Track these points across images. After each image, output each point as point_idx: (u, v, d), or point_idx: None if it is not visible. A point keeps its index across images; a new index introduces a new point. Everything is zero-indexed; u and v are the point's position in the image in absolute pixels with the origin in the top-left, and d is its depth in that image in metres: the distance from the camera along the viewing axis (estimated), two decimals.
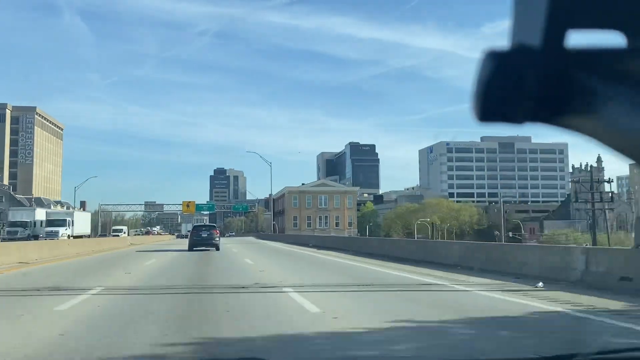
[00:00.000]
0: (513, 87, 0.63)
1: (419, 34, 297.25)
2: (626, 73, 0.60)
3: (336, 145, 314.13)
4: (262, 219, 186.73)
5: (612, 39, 0.62)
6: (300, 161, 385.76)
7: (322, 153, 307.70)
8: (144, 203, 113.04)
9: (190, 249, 28.76)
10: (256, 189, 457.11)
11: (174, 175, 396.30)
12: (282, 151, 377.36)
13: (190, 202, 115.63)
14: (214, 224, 46.73)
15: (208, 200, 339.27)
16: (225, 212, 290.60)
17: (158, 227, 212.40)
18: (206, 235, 29.61)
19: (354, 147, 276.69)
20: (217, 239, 30.26)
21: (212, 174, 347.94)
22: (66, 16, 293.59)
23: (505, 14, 0.70)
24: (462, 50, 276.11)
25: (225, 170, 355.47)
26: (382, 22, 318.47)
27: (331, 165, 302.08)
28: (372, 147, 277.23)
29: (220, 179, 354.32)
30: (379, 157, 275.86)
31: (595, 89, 0.61)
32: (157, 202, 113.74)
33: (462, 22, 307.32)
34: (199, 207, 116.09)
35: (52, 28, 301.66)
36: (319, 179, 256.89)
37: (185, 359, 5.04)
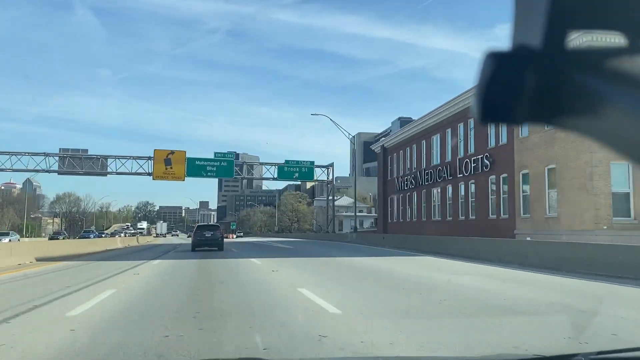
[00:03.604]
0: (514, 87, 0.63)
1: (430, 34, 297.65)
2: (627, 74, 0.59)
3: (344, 144, 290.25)
4: (306, 210, 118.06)
5: (613, 39, 0.62)
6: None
7: (359, 134, 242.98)
8: (58, 152, 46.63)
9: (193, 249, 27.51)
10: (270, 182, 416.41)
11: None
12: (291, 150, 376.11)
13: (174, 152, 48.25)
14: (218, 224, 37.02)
15: (217, 198, 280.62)
16: (238, 204, 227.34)
17: (145, 223, 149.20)
18: (210, 235, 28.03)
19: (405, 123, 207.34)
20: (221, 239, 28.51)
21: None
22: (79, 12, 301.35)
23: None
24: (474, 51, 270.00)
25: (239, 154, 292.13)
26: (393, 21, 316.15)
27: (370, 149, 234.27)
28: None
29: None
30: None
31: (595, 89, 0.60)
32: (90, 152, 47.24)
33: (473, 23, 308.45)
34: (195, 168, 48.70)
35: (65, 23, 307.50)
36: (353, 166, 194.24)
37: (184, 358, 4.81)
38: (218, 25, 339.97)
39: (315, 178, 52.95)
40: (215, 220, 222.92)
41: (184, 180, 48.12)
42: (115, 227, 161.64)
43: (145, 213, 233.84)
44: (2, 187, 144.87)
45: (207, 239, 27.61)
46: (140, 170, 48.38)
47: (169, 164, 47.01)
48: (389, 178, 47.18)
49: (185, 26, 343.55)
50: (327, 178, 54.60)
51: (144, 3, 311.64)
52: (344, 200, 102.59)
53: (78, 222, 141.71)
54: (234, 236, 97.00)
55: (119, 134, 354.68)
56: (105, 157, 48.58)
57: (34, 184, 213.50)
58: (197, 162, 48.27)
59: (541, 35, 0.61)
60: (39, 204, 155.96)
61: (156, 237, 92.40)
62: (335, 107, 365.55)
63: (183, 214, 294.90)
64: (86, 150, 48.61)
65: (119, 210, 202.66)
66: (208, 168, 48.81)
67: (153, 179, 47.43)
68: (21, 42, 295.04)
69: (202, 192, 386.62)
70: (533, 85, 0.62)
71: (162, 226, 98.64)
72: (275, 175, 51.86)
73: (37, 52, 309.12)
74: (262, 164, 53.54)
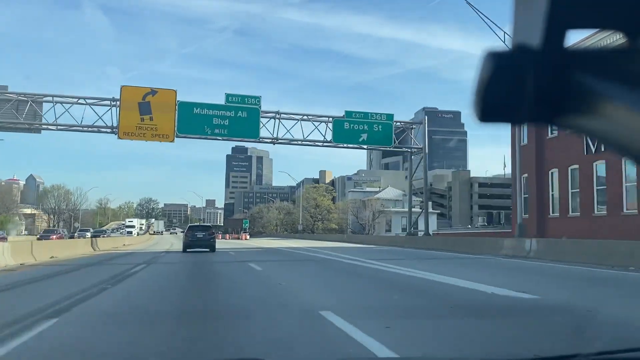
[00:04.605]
0: (513, 87, 0.63)
1: (440, 35, 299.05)
2: (626, 73, 0.60)
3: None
4: (332, 206, 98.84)
5: (612, 38, 0.67)
6: (315, 160, 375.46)
7: None
8: None
9: (185, 250, 26.79)
10: (281, 177, 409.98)
11: (186, 172, 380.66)
12: (296, 149, 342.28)
13: (156, 92, 26.68)
14: (210, 224, 41.10)
15: (225, 195, 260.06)
16: (247, 201, 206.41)
17: (135, 220, 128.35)
18: (201, 235, 27.33)
19: (431, 114, 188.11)
20: (213, 240, 27.64)
21: (230, 152, 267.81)
22: (87, 10, 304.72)
23: None
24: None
25: (247, 148, 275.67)
26: (402, 21, 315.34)
27: None
28: (457, 114, 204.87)
29: (240, 160, 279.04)
30: (465, 128, 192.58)
31: (595, 89, 0.60)
32: (12, 89, 26.14)
33: (483, 23, 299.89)
34: (191, 120, 27.25)
35: (73, 22, 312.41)
36: (370, 162, 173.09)
37: None
38: (227, 24, 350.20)
39: (394, 143, 31.83)
40: (222, 219, 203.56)
41: (172, 140, 27.54)
42: (112, 224, 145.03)
43: (148, 210, 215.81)
44: (3, 183, 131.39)
45: (198, 239, 26.99)
46: (100, 123, 27.85)
47: (147, 112, 26.50)
48: (548, 136, 26.08)
49: (194, 25, 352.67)
50: (412, 143, 33.39)
51: (153, 2, 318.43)
52: (389, 192, 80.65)
53: (68, 218, 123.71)
54: (247, 237, 77.01)
55: None
56: (39, 100, 28.00)
57: (37, 180, 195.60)
58: (195, 110, 27.55)
59: (541, 34, 0.61)
60: (19, 199, 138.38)
61: (153, 234, 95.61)
62: (344, 106, 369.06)
63: (189, 212, 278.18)
64: (5, 87, 28.05)
65: (120, 206, 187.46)
66: (215, 121, 28.03)
67: (119, 137, 26.94)
68: (30, 40, 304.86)
69: (208, 189, 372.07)
70: (533, 85, 0.62)
71: (158, 224, 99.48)
72: (330, 138, 31.02)
73: (46, 50, 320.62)
74: (306, 117, 32.33)
